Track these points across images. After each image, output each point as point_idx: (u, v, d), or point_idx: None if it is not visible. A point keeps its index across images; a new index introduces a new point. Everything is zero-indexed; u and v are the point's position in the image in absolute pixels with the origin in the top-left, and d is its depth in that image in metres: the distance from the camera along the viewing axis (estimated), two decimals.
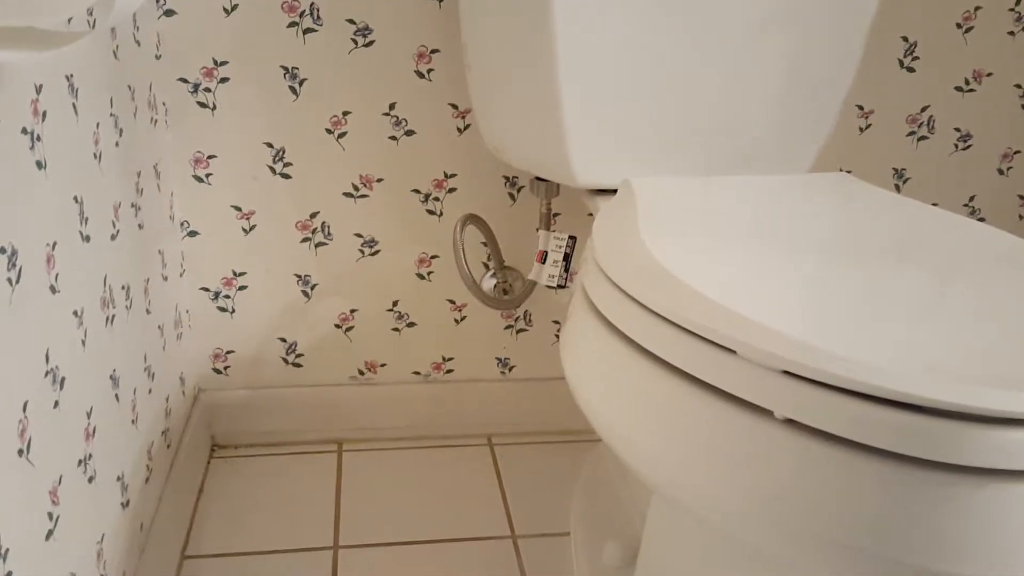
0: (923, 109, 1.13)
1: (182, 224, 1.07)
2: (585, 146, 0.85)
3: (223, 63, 1.00)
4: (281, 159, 1.06)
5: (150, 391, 0.93)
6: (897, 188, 1.16)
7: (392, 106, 1.05)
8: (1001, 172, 1.17)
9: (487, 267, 1.14)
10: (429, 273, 1.14)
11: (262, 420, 1.17)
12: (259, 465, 1.15)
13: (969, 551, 0.46)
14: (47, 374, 0.63)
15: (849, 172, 1.14)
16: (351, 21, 1.01)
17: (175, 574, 0.96)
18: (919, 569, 0.46)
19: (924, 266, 0.61)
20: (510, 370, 1.21)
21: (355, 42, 1.02)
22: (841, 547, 0.48)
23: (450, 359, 1.19)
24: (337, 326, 1.15)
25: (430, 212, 1.11)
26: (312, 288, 1.12)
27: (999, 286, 0.58)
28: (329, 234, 1.10)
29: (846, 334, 0.50)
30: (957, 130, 1.14)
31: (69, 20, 0.70)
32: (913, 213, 0.73)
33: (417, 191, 1.09)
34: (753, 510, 0.51)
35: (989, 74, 1.12)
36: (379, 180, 1.08)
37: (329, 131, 1.05)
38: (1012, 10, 1.10)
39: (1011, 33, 1.11)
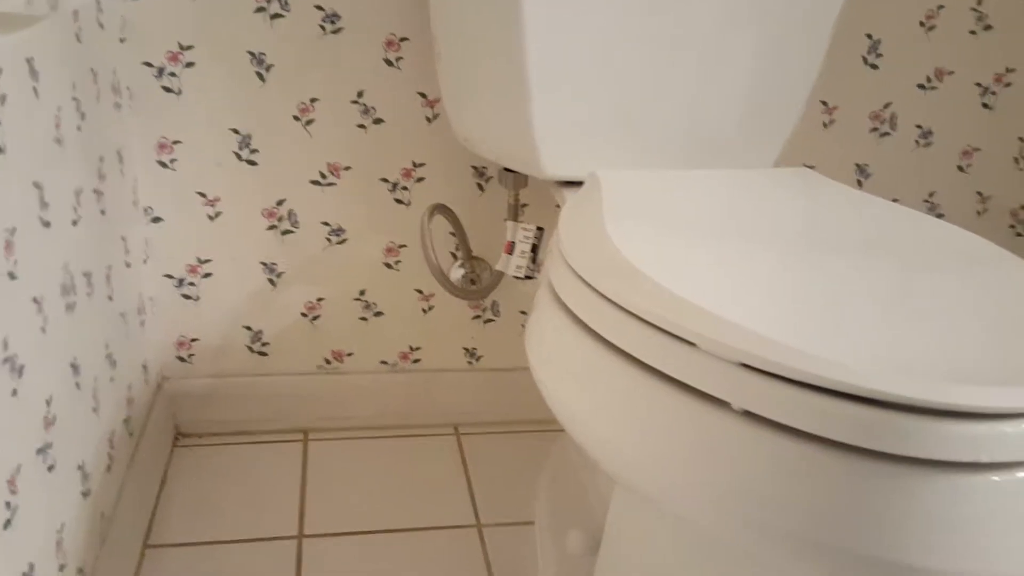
0: (886, 106, 1.15)
1: (146, 210, 1.06)
2: (553, 138, 0.85)
3: (189, 47, 0.99)
4: (247, 145, 1.05)
5: (112, 379, 0.92)
6: (859, 183, 1.18)
7: (360, 94, 1.05)
8: (961, 169, 1.19)
9: (455, 257, 1.14)
10: (397, 262, 1.14)
11: (227, 409, 1.17)
12: (224, 454, 1.14)
13: (930, 543, 0.47)
14: (5, 361, 0.62)
15: (813, 167, 1.16)
16: (319, 7, 1.00)
17: (137, 563, 0.95)
18: (877, 561, 0.47)
19: (885, 261, 0.62)
20: (478, 360, 1.22)
21: (323, 28, 1.01)
22: (798, 539, 0.49)
23: (418, 349, 1.19)
24: (304, 315, 1.14)
25: (398, 201, 1.10)
26: (278, 276, 1.12)
27: (958, 282, 0.59)
28: (296, 222, 1.09)
29: (805, 328, 0.51)
30: (919, 127, 1.16)
31: (29, 1, 0.69)
32: (874, 209, 0.74)
33: (385, 180, 1.09)
34: (711, 500, 0.51)
35: (951, 72, 1.14)
36: (347, 168, 1.08)
37: (296, 118, 1.04)
38: (974, 10, 1.11)
39: (972, 32, 1.13)
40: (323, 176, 1.08)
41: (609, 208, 0.71)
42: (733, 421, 0.50)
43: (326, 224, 1.10)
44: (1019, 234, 1.22)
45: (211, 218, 1.07)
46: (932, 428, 0.44)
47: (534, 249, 1.01)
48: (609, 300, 0.57)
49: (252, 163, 1.06)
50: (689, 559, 0.64)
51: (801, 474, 0.48)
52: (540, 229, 1.01)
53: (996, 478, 0.45)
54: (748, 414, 0.50)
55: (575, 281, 0.61)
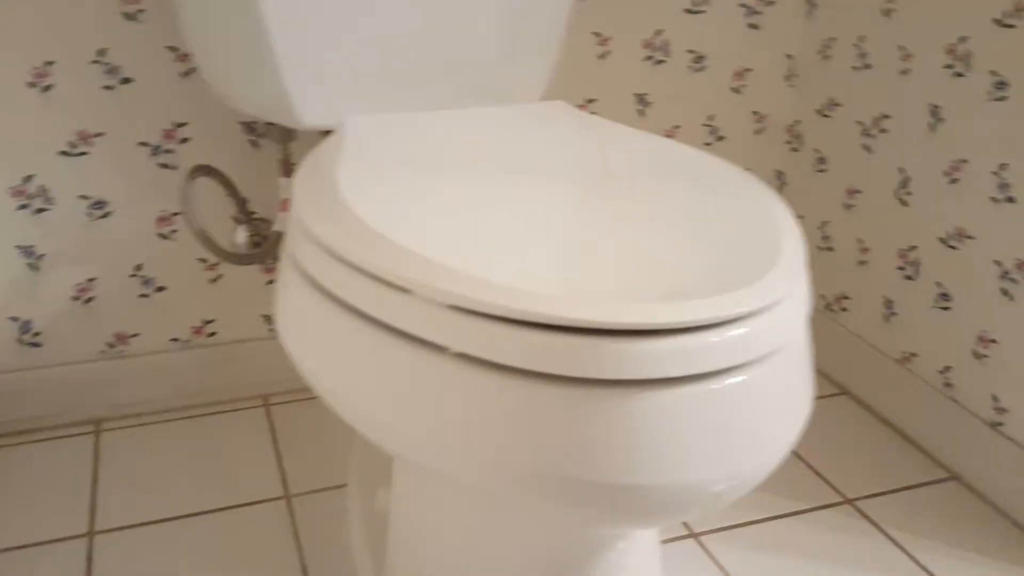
0: (657, 33, 1.15)
1: None
2: (305, 86, 0.81)
3: None
4: None
5: None
6: (640, 113, 1.19)
7: (102, 52, 0.95)
8: (735, 91, 1.22)
9: (235, 220, 1.08)
10: (172, 232, 1.06)
11: (4, 408, 1.07)
12: (5, 456, 1.05)
13: (645, 460, 0.47)
14: None
15: (592, 100, 1.16)
16: None
17: None
18: (594, 485, 0.48)
19: (619, 192, 0.62)
20: None
21: None
22: (525, 473, 0.48)
23: (211, 321, 1.13)
24: (75, 298, 1.05)
25: (164, 166, 1.03)
26: (39, 259, 1.02)
27: (688, 208, 0.60)
28: (50, 198, 1.00)
29: (519, 264, 0.50)
30: (691, 52, 1.18)
31: None
32: (619, 139, 0.74)
33: (145, 144, 1.01)
34: (438, 445, 0.50)
35: None
36: (99, 135, 0.99)
37: (32, 84, 0.94)
38: None
39: None
40: (73, 146, 0.98)
41: (348, 155, 0.67)
42: (451, 365, 0.49)
43: (84, 197, 1.01)
44: (795, 149, 1.28)
45: None
46: (618, 348, 0.44)
47: None
48: (327, 249, 0.54)
49: None
50: (455, 502, 0.64)
51: (519, 411, 0.47)
52: None
53: (688, 390, 0.45)
54: (464, 356, 0.49)
55: (300, 232, 0.58)
